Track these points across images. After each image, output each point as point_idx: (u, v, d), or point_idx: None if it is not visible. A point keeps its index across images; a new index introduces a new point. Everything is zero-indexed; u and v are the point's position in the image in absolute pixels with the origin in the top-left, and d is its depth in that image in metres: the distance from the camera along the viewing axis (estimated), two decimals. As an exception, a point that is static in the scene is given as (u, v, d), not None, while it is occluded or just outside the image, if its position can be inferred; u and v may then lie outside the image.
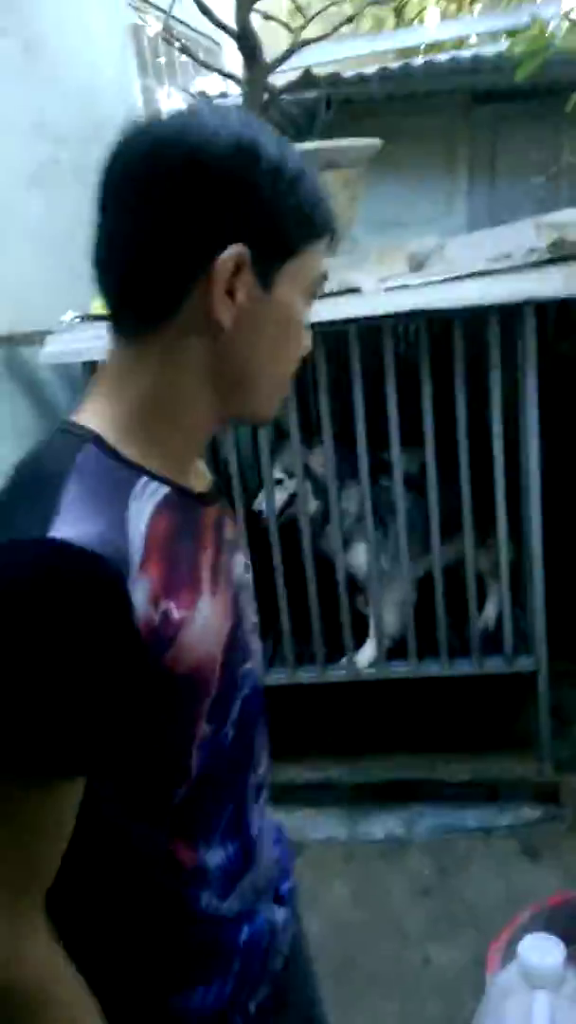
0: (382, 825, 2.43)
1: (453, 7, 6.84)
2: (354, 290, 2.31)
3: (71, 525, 0.59)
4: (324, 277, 0.77)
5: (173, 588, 0.66)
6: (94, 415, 0.71)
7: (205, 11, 2.39)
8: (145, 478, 0.68)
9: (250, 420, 0.79)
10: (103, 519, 0.62)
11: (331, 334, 2.28)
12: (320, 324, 2.16)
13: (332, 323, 2.18)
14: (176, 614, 0.66)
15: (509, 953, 1.62)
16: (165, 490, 0.70)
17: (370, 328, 2.26)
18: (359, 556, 2.48)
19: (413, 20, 7.21)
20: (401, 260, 2.61)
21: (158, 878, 0.73)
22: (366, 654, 2.55)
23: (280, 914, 0.85)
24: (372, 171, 2.53)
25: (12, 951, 0.62)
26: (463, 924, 2.05)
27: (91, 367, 2.34)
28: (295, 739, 2.62)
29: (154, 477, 0.69)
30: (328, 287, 2.36)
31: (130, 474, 0.68)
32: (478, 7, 7.35)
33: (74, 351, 2.34)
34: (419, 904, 2.14)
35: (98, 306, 2.61)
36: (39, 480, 0.65)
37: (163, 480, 0.70)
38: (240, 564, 0.82)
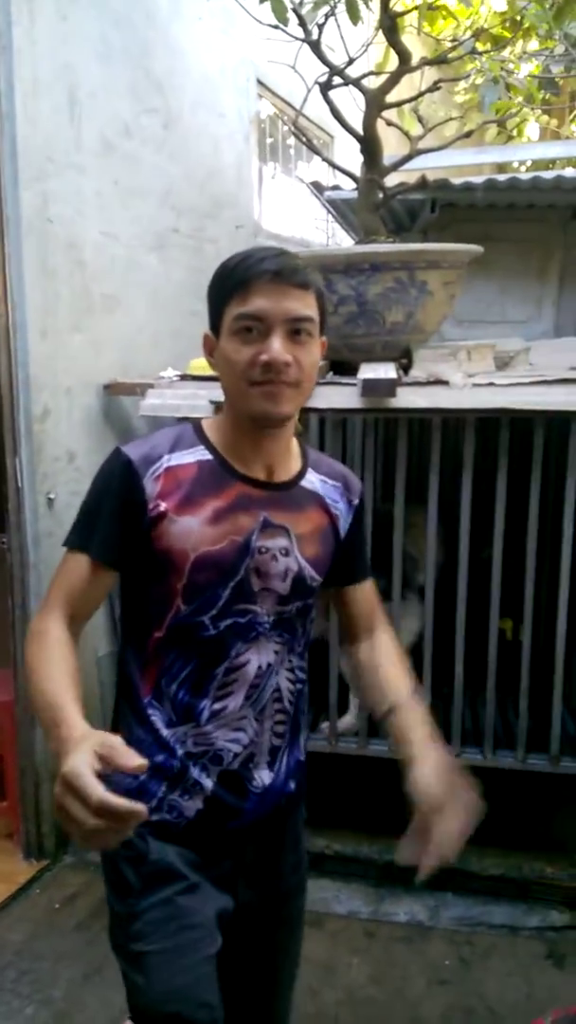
0: (406, 908, 2.42)
1: (554, 122, 7.14)
2: (442, 382, 2.42)
3: (134, 447, 1.16)
4: (241, 316, 1.10)
5: (171, 497, 1.12)
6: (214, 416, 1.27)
7: (337, 116, 2.59)
8: (202, 447, 1.17)
9: (249, 416, 1.13)
10: (153, 450, 1.15)
11: (416, 420, 2.40)
12: (408, 410, 2.28)
13: (418, 410, 2.29)
14: (163, 508, 1.12)
15: (529, 1053, 1.62)
16: (208, 457, 1.16)
17: (452, 420, 2.38)
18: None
19: (513, 132, 7.52)
20: (489, 359, 2.73)
21: (135, 690, 1.19)
22: (346, 721, 2.66)
23: (206, 781, 1.18)
24: (467, 271, 2.68)
25: (39, 622, 1.14)
26: (479, 1019, 2.03)
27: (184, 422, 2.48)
28: (330, 810, 2.64)
29: (210, 449, 1.17)
30: (416, 376, 2.49)
31: (196, 442, 1.18)
32: (578, 125, 7.64)
33: (171, 406, 2.47)
34: (436, 993, 2.12)
35: (195, 366, 2.77)
36: (156, 432, 1.21)
37: (214, 452, 1.17)
38: (278, 543, 1.17)
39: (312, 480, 1.24)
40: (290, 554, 1.18)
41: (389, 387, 2.23)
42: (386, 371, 2.31)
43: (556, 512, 2.44)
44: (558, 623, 2.37)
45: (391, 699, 1.26)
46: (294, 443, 1.24)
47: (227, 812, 1.20)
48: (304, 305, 1.11)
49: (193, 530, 1.12)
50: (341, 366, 2.63)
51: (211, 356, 1.17)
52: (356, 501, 1.30)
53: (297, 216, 5.01)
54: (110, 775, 1.17)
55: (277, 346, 1.08)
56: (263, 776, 1.21)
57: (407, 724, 1.24)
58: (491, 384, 2.35)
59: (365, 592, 1.37)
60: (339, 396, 2.32)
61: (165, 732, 1.17)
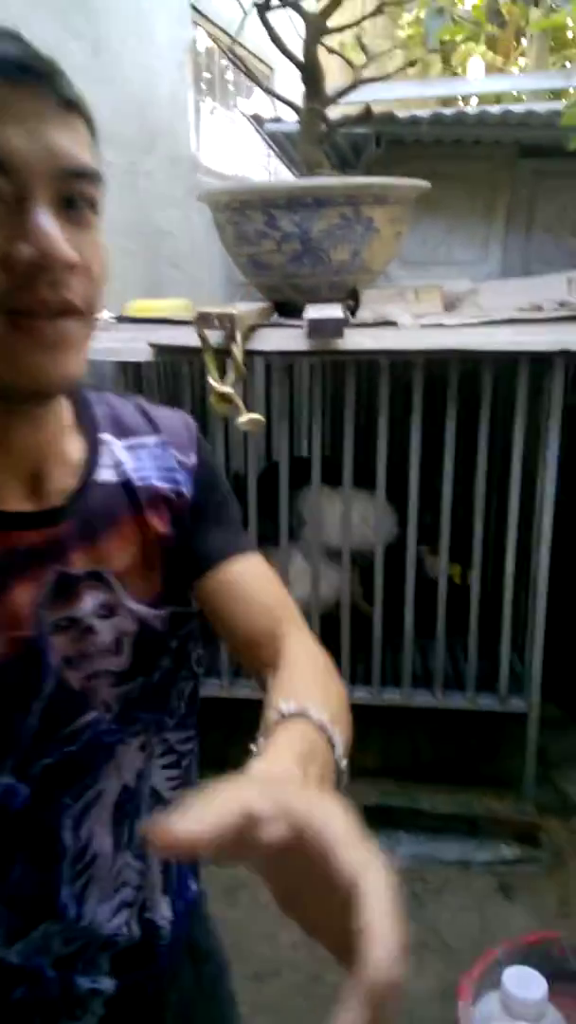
0: (359, 849, 2.45)
1: (500, 59, 7.02)
2: (391, 323, 2.37)
3: None
4: None
5: None
6: None
7: (275, 40, 2.46)
8: None
9: (14, 389, 0.58)
10: None
11: (364, 363, 2.34)
12: (355, 352, 2.23)
13: (366, 352, 2.23)
14: None
15: (482, 985, 1.65)
16: None
17: (400, 362, 2.33)
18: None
19: (457, 66, 7.39)
20: (437, 300, 2.68)
21: None
22: None
23: (102, 982, 0.76)
24: (413, 210, 2.61)
25: None
26: (433, 952, 2.08)
27: (122, 367, 2.39)
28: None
29: None
30: (364, 317, 2.43)
31: None
32: (523, 61, 7.54)
33: (108, 350, 2.34)
34: (390, 930, 2.16)
35: (135, 307, 2.66)
36: None
37: None
38: (89, 602, 0.68)
39: (115, 458, 0.72)
40: (117, 610, 0.70)
41: (336, 327, 2.17)
42: (332, 311, 2.24)
43: (504, 455, 2.43)
44: (506, 566, 2.37)
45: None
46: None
47: (138, 993, 0.81)
48: (78, 143, 0.57)
49: None
50: (285, 307, 2.55)
51: None
52: (194, 459, 0.77)
53: (238, 153, 4.84)
54: None
55: (51, 228, 0.54)
56: (164, 912, 0.81)
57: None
58: (440, 325, 2.31)
59: (251, 572, 0.78)
60: (284, 338, 2.25)
61: (10, 954, 0.70)
